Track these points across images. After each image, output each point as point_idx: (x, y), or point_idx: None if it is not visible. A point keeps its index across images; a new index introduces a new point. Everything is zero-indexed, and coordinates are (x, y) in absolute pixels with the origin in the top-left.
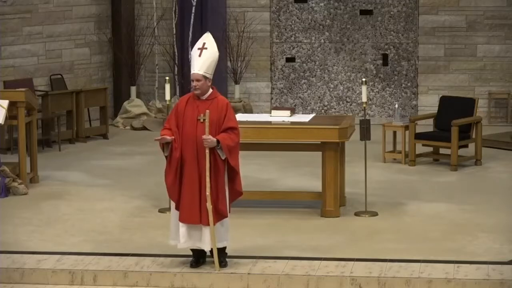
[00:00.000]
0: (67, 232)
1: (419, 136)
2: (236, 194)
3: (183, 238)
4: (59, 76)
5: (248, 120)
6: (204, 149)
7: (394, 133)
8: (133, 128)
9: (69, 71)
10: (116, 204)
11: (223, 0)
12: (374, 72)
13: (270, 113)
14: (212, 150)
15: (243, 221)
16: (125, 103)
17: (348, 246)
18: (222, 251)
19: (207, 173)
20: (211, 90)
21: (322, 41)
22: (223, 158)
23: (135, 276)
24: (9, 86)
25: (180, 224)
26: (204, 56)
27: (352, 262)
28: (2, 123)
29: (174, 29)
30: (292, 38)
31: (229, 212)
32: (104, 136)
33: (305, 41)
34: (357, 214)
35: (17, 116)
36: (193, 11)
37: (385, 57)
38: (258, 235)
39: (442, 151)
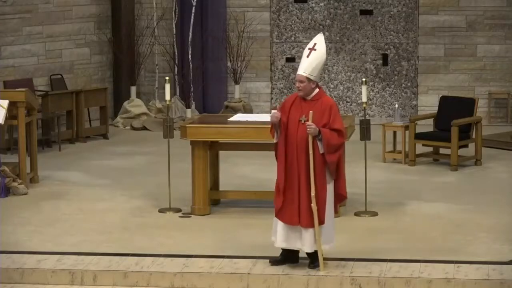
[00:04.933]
0: (67, 232)
1: (419, 136)
2: (339, 197)
3: (281, 237)
4: (59, 76)
5: (248, 120)
6: (305, 150)
7: (394, 133)
8: (133, 128)
9: (69, 71)
10: (116, 204)
11: (223, 0)
12: (374, 72)
13: (270, 113)
14: (315, 156)
15: (243, 221)
16: (125, 103)
17: (348, 246)
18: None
19: (312, 173)
20: (316, 90)
21: None
22: (321, 152)
23: (135, 276)
24: (9, 86)
25: (279, 223)
26: (311, 57)
27: (352, 262)
28: (2, 123)
29: (174, 29)
30: (292, 38)
31: (337, 212)
32: (104, 136)
33: (305, 41)
34: (357, 214)
35: (17, 116)
36: (193, 11)
37: (385, 57)
38: (258, 235)
39: (442, 151)
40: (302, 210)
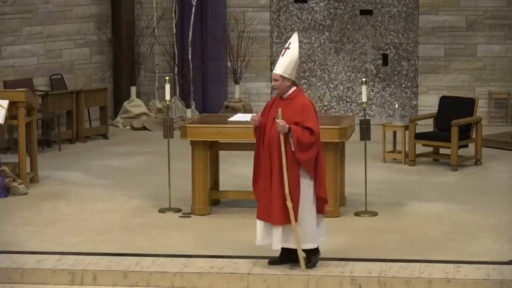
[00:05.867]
0: (67, 232)
1: (419, 136)
2: (319, 199)
3: (259, 235)
4: (59, 76)
5: (248, 120)
6: (277, 148)
7: (394, 133)
8: (133, 128)
9: (69, 71)
10: (116, 204)
11: (223, 0)
12: (374, 72)
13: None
14: (287, 154)
15: (243, 221)
16: (125, 103)
17: (348, 246)
18: (309, 252)
19: (284, 171)
20: (293, 89)
21: (322, 41)
22: (293, 149)
23: (135, 276)
24: (9, 86)
25: (257, 221)
26: (286, 56)
27: (352, 262)
28: (2, 123)
29: (174, 29)
30: None
31: (322, 213)
32: (104, 136)
33: (305, 41)
34: (357, 214)
35: (17, 116)
36: (193, 11)
37: (385, 57)
38: None
39: (442, 151)
40: (273, 207)
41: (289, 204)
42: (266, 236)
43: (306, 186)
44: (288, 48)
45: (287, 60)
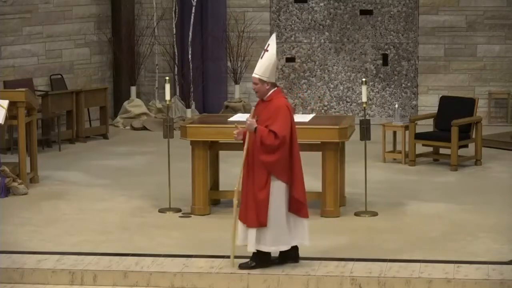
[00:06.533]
0: (67, 232)
1: (419, 136)
2: (294, 201)
3: (240, 235)
4: (59, 76)
5: None
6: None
7: (394, 133)
8: (133, 128)
9: (69, 71)
10: (116, 204)
11: (223, 0)
12: (374, 72)
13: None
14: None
15: None
16: (125, 103)
17: (348, 246)
18: (257, 254)
19: (241, 168)
20: (272, 91)
21: (322, 41)
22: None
23: (135, 276)
24: (9, 86)
25: (238, 221)
26: (264, 58)
27: (352, 262)
28: (2, 123)
29: (174, 29)
30: (292, 38)
31: (303, 216)
32: (104, 136)
33: (305, 41)
34: (357, 214)
35: (17, 116)
36: (193, 11)
37: (385, 57)
38: None
39: (442, 151)
40: (248, 210)
41: (235, 201)
42: (245, 237)
43: (277, 187)
44: (266, 50)
45: (265, 63)
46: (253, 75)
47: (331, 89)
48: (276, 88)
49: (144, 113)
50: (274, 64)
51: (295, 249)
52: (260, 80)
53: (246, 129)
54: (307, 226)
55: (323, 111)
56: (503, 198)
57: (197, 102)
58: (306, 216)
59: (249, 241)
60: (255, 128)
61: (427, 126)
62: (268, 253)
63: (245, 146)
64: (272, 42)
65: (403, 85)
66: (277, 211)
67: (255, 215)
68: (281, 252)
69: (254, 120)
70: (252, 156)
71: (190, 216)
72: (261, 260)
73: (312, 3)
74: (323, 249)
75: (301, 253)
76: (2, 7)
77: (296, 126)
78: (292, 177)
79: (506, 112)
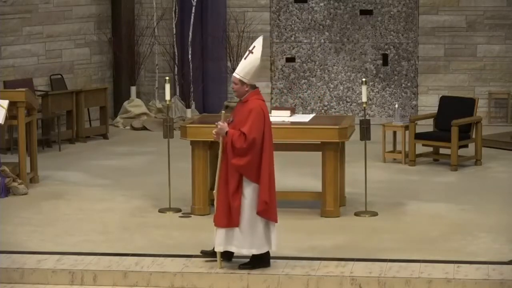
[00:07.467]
0: (67, 232)
1: (419, 136)
2: (260, 204)
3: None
4: (59, 76)
5: None
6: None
7: (394, 133)
8: (133, 128)
9: (69, 71)
10: (116, 204)
11: (223, 0)
12: (374, 72)
13: (270, 113)
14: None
15: None
16: (125, 103)
17: (348, 246)
18: (256, 255)
19: (217, 172)
20: (249, 92)
21: (322, 41)
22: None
23: (135, 276)
24: (9, 86)
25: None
26: (248, 60)
27: (352, 262)
28: (2, 123)
29: (174, 29)
30: (292, 38)
31: (271, 220)
32: (104, 136)
33: (305, 41)
34: (357, 214)
35: (17, 116)
36: (193, 11)
37: (385, 57)
38: None
39: (442, 151)
40: (217, 210)
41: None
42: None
43: (251, 191)
44: (251, 52)
45: (248, 65)
46: (234, 74)
47: (331, 89)
48: (253, 90)
49: (144, 113)
50: (258, 68)
51: (267, 253)
52: (241, 81)
53: (217, 133)
54: (275, 231)
55: (323, 111)
56: (503, 198)
57: (197, 102)
58: (275, 221)
59: (216, 240)
60: (226, 132)
61: (427, 126)
62: (268, 253)
63: (220, 150)
64: (258, 45)
65: (403, 85)
66: (249, 214)
67: (226, 216)
68: (253, 255)
69: (226, 124)
70: (226, 159)
71: (190, 216)
72: (261, 260)
73: (312, 3)
74: (323, 249)
75: (302, 253)
76: (2, 7)
77: (296, 126)
78: (260, 179)
79: (506, 112)
